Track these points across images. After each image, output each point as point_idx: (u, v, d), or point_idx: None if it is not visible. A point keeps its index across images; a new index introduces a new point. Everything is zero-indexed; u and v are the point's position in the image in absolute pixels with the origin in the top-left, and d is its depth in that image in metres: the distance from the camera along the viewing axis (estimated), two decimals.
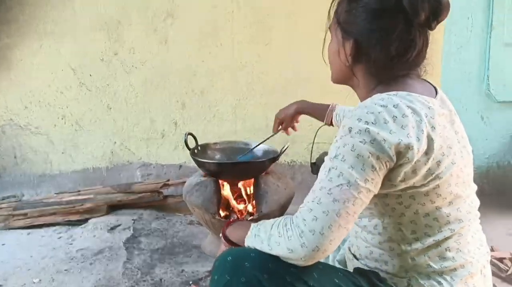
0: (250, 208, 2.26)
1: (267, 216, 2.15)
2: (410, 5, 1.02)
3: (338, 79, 1.24)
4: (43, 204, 2.70)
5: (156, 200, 2.79)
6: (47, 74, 2.92)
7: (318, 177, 1.01)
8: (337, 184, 0.95)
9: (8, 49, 2.89)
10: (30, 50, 2.89)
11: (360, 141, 0.96)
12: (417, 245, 1.08)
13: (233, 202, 2.27)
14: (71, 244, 2.39)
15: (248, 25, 2.90)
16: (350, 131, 0.98)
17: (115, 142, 3.01)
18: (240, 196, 2.31)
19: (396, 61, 1.08)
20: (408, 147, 0.96)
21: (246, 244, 1.12)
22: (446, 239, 1.08)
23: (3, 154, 3.01)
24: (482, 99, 3.12)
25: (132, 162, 3.04)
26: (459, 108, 3.44)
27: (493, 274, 2.03)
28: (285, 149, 2.22)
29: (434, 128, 1.00)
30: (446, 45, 3.05)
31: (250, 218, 2.19)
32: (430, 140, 1.00)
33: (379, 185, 0.99)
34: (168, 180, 2.88)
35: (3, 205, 2.75)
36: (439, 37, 3.03)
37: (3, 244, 2.40)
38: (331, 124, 1.85)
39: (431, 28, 1.08)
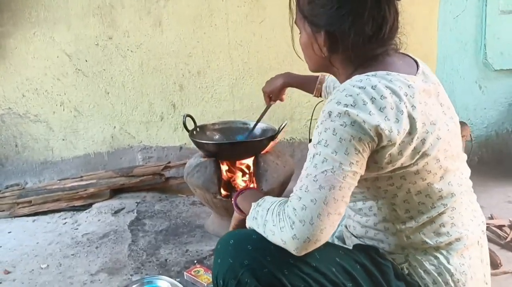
0: (251, 186, 2.29)
1: (268, 194, 2.17)
2: None
3: (316, 69, 1.24)
4: (46, 191, 2.73)
5: (158, 182, 2.82)
6: (42, 61, 2.91)
7: (305, 164, 1.01)
8: (321, 170, 0.95)
9: (2, 38, 2.87)
10: (24, 38, 2.88)
11: (341, 125, 0.95)
12: (412, 224, 1.09)
13: (238, 181, 2.29)
14: (76, 229, 2.42)
15: (242, 4, 2.88)
16: (330, 115, 0.97)
17: (114, 127, 3.02)
18: (241, 174, 2.33)
19: (374, 41, 1.07)
20: (388, 130, 0.96)
21: (247, 224, 1.13)
22: (440, 214, 1.09)
23: (4, 143, 3.02)
24: (479, 68, 3.11)
25: (133, 146, 3.06)
26: (456, 78, 3.46)
27: (493, 241, 2.07)
28: (283, 127, 2.23)
29: (415, 107, 1.00)
30: (442, 14, 3.03)
31: None
32: (411, 120, 0.99)
33: (364, 166, 0.99)
34: (169, 162, 2.90)
35: (6, 194, 2.79)
36: (435, 7, 3.01)
37: (9, 232, 2.43)
38: (319, 96, 1.84)
39: None
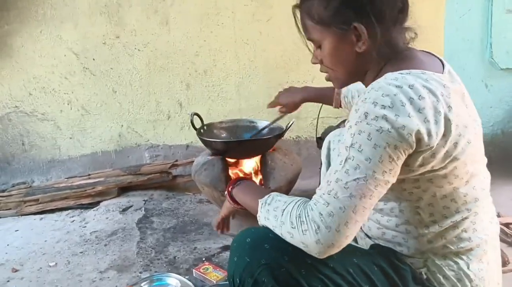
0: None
1: (275, 192, 2.18)
2: None
3: (348, 80, 1.17)
4: (54, 189, 2.74)
5: (166, 180, 2.83)
6: (50, 60, 2.92)
7: (333, 164, 0.97)
8: (354, 178, 0.92)
9: (9, 36, 2.88)
10: (31, 36, 2.89)
11: (377, 130, 0.91)
12: (435, 228, 1.07)
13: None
14: (84, 227, 2.43)
15: (249, 2, 2.88)
16: (366, 117, 0.93)
17: (122, 125, 3.03)
18: (248, 173, 2.34)
19: (400, 25, 1.07)
20: (427, 134, 0.93)
21: (259, 223, 1.12)
22: (463, 219, 1.07)
23: (10, 142, 3.03)
24: (485, 67, 3.11)
25: (140, 144, 3.07)
26: (462, 76, 3.42)
27: (500, 239, 2.06)
28: (291, 125, 2.24)
29: (451, 108, 0.97)
30: (448, 13, 3.02)
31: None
32: (447, 122, 0.96)
33: (397, 174, 0.97)
34: (176, 160, 2.91)
35: (13, 192, 2.80)
36: (441, 5, 3.00)
37: (16, 230, 2.44)
38: (340, 107, 1.79)
39: None
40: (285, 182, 2.22)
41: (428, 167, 0.99)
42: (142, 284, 1.79)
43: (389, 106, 0.92)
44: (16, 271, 2.01)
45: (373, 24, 1.02)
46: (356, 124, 0.94)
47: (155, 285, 1.81)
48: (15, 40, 2.89)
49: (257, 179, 2.29)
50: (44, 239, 2.32)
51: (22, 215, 2.64)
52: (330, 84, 1.25)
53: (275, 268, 1.01)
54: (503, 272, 1.79)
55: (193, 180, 2.35)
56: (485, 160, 1.14)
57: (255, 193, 1.18)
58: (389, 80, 0.97)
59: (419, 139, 0.93)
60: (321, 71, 1.20)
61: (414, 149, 0.94)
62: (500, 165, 3.03)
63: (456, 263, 1.08)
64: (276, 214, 1.04)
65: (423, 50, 1.13)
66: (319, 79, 3.17)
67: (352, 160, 0.93)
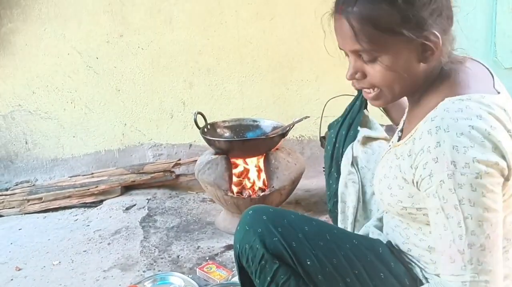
0: (261, 184, 2.29)
1: (279, 191, 2.18)
2: None
3: (398, 98, 1.05)
4: (57, 187, 2.74)
5: (169, 179, 2.83)
6: (53, 58, 2.92)
7: (449, 228, 0.89)
8: (485, 236, 0.87)
9: (12, 34, 2.88)
10: (34, 35, 2.88)
11: (476, 177, 0.86)
12: None
13: (248, 182, 2.30)
14: (88, 225, 2.43)
15: (252, 1, 2.87)
16: (455, 166, 0.86)
17: (125, 124, 3.03)
18: (252, 172, 2.34)
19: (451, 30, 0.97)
20: (508, 166, 0.89)
21: None
22: (504, 251, 1.00)
23: (14, 140, 3.03)
24: (489, 66, 3.10)
25: (143, 143, 3.07)
26: None
27: None
28: (298, 121, 2.25)
29: (511, 132, 0.92)
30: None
31: (262, 193, 2.22)
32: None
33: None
34: (179, 159, 2.91)
35: (17, 191, 2.80)
36: None
37: (20, 229, 2.44)
38: None
39: None
40: (288, 181, 2.22)
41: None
42: (145, 283, 1.80)
43: (471, 146, 0.86)
44: (20, 269, 2.02)
45: (444, 30, 0.94)
46: (450, 178, 0.87)
47: (159, 284, 1.81)
48: (19, 38, 2.89)
49: (261, 182, 2.29)
50: (48, 237, 2.32)
51: (25, 213, 2.65)
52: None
53: (267, 237, 1.10)
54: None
55: (196, 179, 2.35)
56: None
57: None
58: (453, 113, 0.89)
59: (503, 171, 0.89)
60: (358, 88, 1.06)
61: (505, 178, 0.90)
62: None
63: None
64: None
65: (470, 58, 1.05)
66: (322, 79, 3.18)
67: (471, 218, 0.87)
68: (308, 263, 1.09)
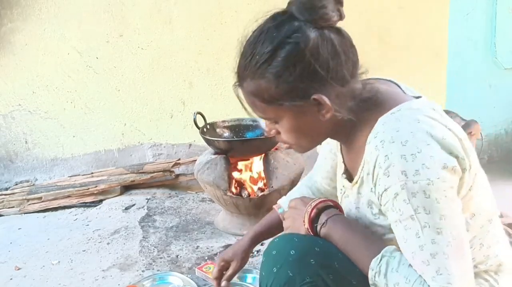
0: (261, 184, 2.29)
1: (278, 191, 2.18)
2: (322, 15, 0.92)
3: (314, 146, 1.07)
4: (57, 187, 2.74)
5: (168, 179, 2.84)
6: (53, 58, 2.92)
7: (408, 239, 0.88)
8: (446, 243, 0.85)
9: (12, 33, 2.88)
10: (35, 35, 2.89)
11: (428, 184, 0.85)
12: None
13: (247, 182, 2.29)
14: (87, 225, 2.44)
15: (252, 1, 2.88)
16: (406, 176, 0.86)
17: (125, 124, 3.03)
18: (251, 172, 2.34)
19: (357, 70, 0.99)
20: (461, 156, 0.90)
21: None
22: (487, 234, 1.02)
23: (14, 140, 3.04)
24: (489, 67, 3.11)
25: (143, 143, 3.07)
26: (466, 76, 3.44)
27: None
28: None
29: (448, 126, 0.94)
30: (452, 12, 3.02)
31: (261, 193, 2.21)
32: (459, 139, 0.93)
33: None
34: (179, 159, 2.91)
35: (16, 190, 2.81)
36: (445, 5, 3.00)
37: (19, 228, 2.45)
38: None
39: (342, 18, 0.96)
40: (287, 181, 2.22)
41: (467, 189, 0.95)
42: (144, 283, 1.80)
43: (418, 152, 0.86)
44: (19, 269, 2.02)
45: (333, 88, 0.94)
46: (403, 189, 0.86)
47: (158, 284, 1.81)
48: (19, 38, 2.89)
49: (260, 182, 2.29)
50: (47, 237, 2.32)
51: (25, 213, 2.65)
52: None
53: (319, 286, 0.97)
54: None
55: (195, 178, 2.35)
56: None
57: (355, 242, 1.00)
58: (393, 125, 0.91)
59: (460, 165, 0.89)
60: (279, 141, 1.07)
61: (460, 176, 0.90)
62: (503, 165, 3.04)
63: (487, 280, 1.03)
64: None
65: (377, 79, 1.07)
66: None
67: (429, 227, 0.85)
68: None
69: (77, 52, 2.92)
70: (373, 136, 0.93)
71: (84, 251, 2.15)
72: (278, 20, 0.95)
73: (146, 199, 2.70)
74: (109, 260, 2.04)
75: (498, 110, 3.16)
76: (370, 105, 0.98)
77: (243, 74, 0.98)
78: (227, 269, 1.39)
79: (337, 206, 1.09)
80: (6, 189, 2.88)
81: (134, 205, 2.62)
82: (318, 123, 0.98)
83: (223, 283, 1.38)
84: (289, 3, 0.97)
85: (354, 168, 1.06)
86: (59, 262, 2.06)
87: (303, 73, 0.91)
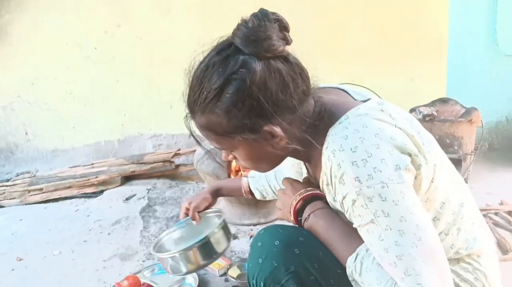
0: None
1: None
2: (267, 47, 0.91)
3: (273, 168, 1.06)
4: (58, 178, 2.75)
5: (168, 169, 2.84)
6: (51, 49, 2.91)
7: (373, 244, 0.88)
8: (410, 244, 0.84)
9: (10, 25, 2.87)
10: (32, 26, 2.88)
11: (382, 187, 0.85)
12: (444, 238, 1.01)
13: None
14: (88, 215, 2.44)
15: None
16: (360, 181, 0.85)
17: (124, 115, 3.03)
18: None
19: (307, 93, 0.98)
20: (414, 152, 0.90)
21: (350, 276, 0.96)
22: (463, 219, 1.02)
23: (14, 131, 3.04)
24: (490, 54, 3.09)
25: (143, 133, 3.07)
26: (467, 63, 3.43)
27: (503, 227, 2.06)
28: None
29: (398, 125, 0.94)
30: (453, 0, 2.99)
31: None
32: (409, 136, 0.94)
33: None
34: (179, 150, 2.91)
35: (17, 181, 2.81)
36: None
37: (20, 219, 2.45)
38: (250, 194, 1.55)
39: (289, 43, 0.97)
40: None
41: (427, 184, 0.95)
42: (145, 273, 1.81)
43: (368, 157, 0.86)
44: (21, 260, 2.03)
45: (284, 117, 0.93)
46: (358, 195, 0.86)
47: (158, 274, 1.82)
48: (17, 29, 2.88)
49: None
50: (48, 228, 2.33)
51: (26, 204, 2.66)
52: None
53: (303, 277, 0.97)
54: (505, 260, 1.80)
55: (195, 169, 2.35)
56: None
57: (335, 238, 1.00)
58: (341, 133, 0.90)
59: (414, 162, 0.90)
60: (238, 165, 1.08)
61: (415, 173, 0.90)
62: (504, 152, 3.04)
63: (470, 264, 1.04)
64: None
65: (325, 87, 1.06)
66: (319, 72, 3.15)
67: (391, 229, 0.85)
68: None
69: (76, 43, 2.91)
70: (325, 147, 0.93)
71: (85, 241, 2.16)
72: (223, 54, 0.94)
73: (147, 189, 2.70)
74: (110, 250, 2.05)
75: (499, 97, 3.14)
76: (322, 120, 0.97)
77: (193, 108, 0.96)
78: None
79: (323, 197, 1.08)
80: (7, 180, 2.88)
81: (134, 195, 2.63)
82: (274, 151, 0.97)
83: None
84: (233, 33, 0.96)
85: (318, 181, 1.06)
86: (60, 252, 2.07)
87: (252, 108, 0.90)
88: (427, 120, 2.54)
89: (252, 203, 2.23)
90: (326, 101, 1.00)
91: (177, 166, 2.87)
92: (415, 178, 0.91)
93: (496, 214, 2.15)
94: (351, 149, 0.87)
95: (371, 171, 0.85)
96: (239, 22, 0.95)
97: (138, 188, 2.72)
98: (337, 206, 0.98)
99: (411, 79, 3.11)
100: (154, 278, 1.78)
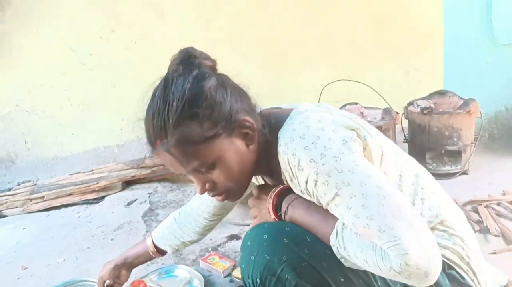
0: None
1: None
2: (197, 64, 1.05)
3: (247, 185, 1.11)
4: (58, 185, 2.75)
5: (169, 173, 2.83)
6: (47, 57, 2.91)
7: (344, 216, 0.92)
8: (377, 204, 0.89)
9: (6, 35, 2.86)
10: (28, 34, 2.87)
11: (336, 160, 0.92)
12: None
13: None
14: (90, 222, 2.45)
15: None
16: (316, 162, 0.93)
17: (122, 119, 3.02)
18: None
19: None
20: (356, 128, 1.01)
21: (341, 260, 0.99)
22: (423, 188, 1.08)
23: (13, 140, 3.03)
24: (486, 44, 3.08)
25: (142, 137, 3.05)
26: (463, 53, 3.42)
27: (505, 217, 2.06)
28: None
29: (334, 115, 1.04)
30: None
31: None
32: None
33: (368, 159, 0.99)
34: None
35: (19, 190, 2.81)
36: None
37: (24, 228, 2.46)
38: (159, 253, 1.56)
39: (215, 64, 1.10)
40: None
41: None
42: (151, 277, 1.81)
43: (317, 139, 0.95)
44: (26, 268, 2.03)
45: (250, 107, 1.06)
46: (317, 173, 0.93)
47: (165, 277, 1.82)
48: (13, 39, 2.87)
49: None
50: (51, 235, 2.34)
51: (28, 212, 2.66)
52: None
53: (297, 263, 0.99)
54: (508, 250, 1.80)
55: None
56: None
57: (315, 223, 1.03)
58: (288, 129, 1.00)
59: (359, 135, 0.99)
60: (214, 195, 1.09)
61: (362, 144, 0.99)
62: (504, 142, 3.03)
63: (445, 231, 1.07)
64: (362, 262, 0.93)
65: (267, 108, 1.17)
66: (317, 66, 3.17)
67: (355, 196, 0.90)
68: (342, 280, 0.99)
69: (71, 49, 2.90)
70: (278, 146, 1.00)
71: (88, 248, 2.16)
72: (168, 81, 1.05)
73: (148, 193, 2.70)
74: (114, 256, 2.01)
75: (497, 87, 3.13)
76: (271, 128, 1.05)
77: (165, 128, 0.99)
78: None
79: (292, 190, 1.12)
80: (9, 190, 2.88)
81: (136, 200, 2.63)
82: (249, 154, 1.04)
83: None
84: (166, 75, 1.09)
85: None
86: (64, 260, 2.08)
87: (223, 101, 0.99)
88: (425, 113, 2.54)
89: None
90: (269, 112, 1.11)
91: None
92: (364, 149, 1.00)
93: (498, 204, 2.14)
94: (300, 137, 0.96)
95: (323, 150, 0.93)
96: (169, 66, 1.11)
97: (139, 192, 2.72)
98: (305, 196, 1.03)
99: (407, 72, 3.10)
100: (161, 282, 1.79)
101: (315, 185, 0.94)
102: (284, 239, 1.01)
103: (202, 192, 1.06)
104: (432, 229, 1.05)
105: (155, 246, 1.54)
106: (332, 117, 1.00)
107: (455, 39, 3.07)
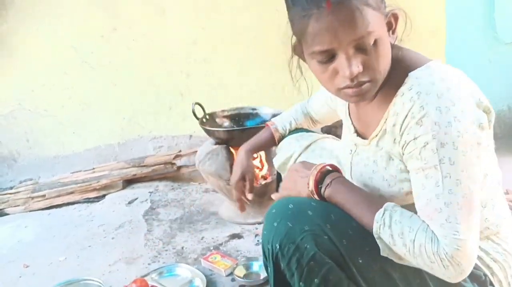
0: (263, 172, 2.29)
1: (281, 179, 2.17)
2: None
3: (379, 85, 1.04)
4: (60, 184, 2.75)
5: (170, 171, 2.83)
6: (48, 56, 2.91)
7: (426, 187, 0.93)
8: (462, 194, 0.90)
9: (8, 34, 2.87)
10: (30, 34, 2.87)
11: (458, 136, 0.90)
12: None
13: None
14: (91, 220, 2.44)
15: None
16: (439, 126, 0.91)
17: (124, 118, 3.02)
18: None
19: None
20: (490, 111, 0.99)
21: (380, 242, 0.99)
22: (495, 192, 1.08)
23: (16, 139, 3.04)
24: (489, 42, 3.07)
25: (143, 136, 3.06)
26: (466, 52, 3.39)
27: None
28: None
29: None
30: None
31: (264, 182, 2.21)
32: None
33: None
34: (180, 151, 2.90)
35: (21, 189, 2.81)
36: None
37: (25, 227, 2.45)
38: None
39: None
40: None
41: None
42: (153, 276, 1.80)
43: (452, 105, 0.91)
44: (27, 266, 2.03)
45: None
46: (434, 138, 0.91)
47: (166, 276, 1.82)
48: (15, 38, 2.88)
49: (263, 170, 2.27)
50: (53, 234, 2.33)
51: (30, 211, 2.65)
52: None
53: (318, 235, 1.00)
54: None
55: (197, 169, 2.35)
56: None
57: (358, 200, 1.05)
58: (428, 79, 0.95)
59: (489, 120, 0.98)
60: (359, 81, 0.98)
61: (485, 133, 0.97)
62: (506, 141, 3.01)
63: (499, 244, 1.06)
64: (405, 242, 0.94)
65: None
66: None
67: (450, 177, 0.90)
68: (360, 261, 1.00)
69: (72, 48, 2.90)
70: (407, 88, 0.97)
71: (89, 246, 2.16)
72: None
73: (149, 192, 2.70)
74: (115, 255, 2.05)
75: (500, 86, 3.12)
76: (396, 63, 1.03)
77: None
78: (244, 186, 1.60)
79: (338, 170, 1.14)
80: (11, 188, 2.88)
81: (137, 198, 2.62)
82: (390, 50, 1.02)
83: (249, 195, 1.60)
84: None
85: (369, 126, 1.11)
86: (65, 258, 2.07)
87: None
88: None
89: (256, 201, 2.22)
90: (400, 48, 1.07)
91: (179, 168, 2.86)
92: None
93: None
94: (437, 95, 0.92)
95: (452, 119, 0.90)
96: None
97: (140, 191, 2.72)
98: (395, 148, 1.02)
99: None
100: (162, 281, 1.78)
101: (424, 146, 0.92)
102: (309, 211, 1.02)
103: (355, 72, 0.96)
104: (487, 238, 1.05)
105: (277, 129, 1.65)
106: (472, 88, 0.97)
107: (458, 37, 3.05)
